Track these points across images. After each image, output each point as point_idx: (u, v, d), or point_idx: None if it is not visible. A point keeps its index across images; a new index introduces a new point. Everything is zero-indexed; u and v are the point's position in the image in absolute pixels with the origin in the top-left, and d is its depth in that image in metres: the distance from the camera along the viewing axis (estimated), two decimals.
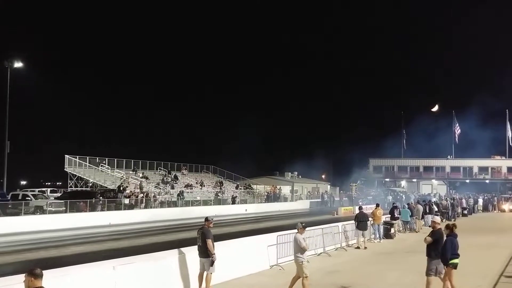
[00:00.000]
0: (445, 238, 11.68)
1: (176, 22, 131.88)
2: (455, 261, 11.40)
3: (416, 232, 28.30)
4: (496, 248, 21.55)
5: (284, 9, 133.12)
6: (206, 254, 11.87)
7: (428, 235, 12.16)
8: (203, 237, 11.91)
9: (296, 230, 12.83)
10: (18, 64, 41.90)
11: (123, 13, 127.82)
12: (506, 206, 49.63)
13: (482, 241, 24.36)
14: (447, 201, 41.51)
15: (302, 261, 12.00)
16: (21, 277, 7.11)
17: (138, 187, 45.16)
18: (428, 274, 11.86)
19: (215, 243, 12.33)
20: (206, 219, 12.41)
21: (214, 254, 11.79)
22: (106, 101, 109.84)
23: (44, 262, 16.28)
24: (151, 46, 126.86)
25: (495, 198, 55.18)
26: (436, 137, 77.20)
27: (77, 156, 48.34)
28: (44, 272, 6.66)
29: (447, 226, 12.05)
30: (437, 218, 12.76)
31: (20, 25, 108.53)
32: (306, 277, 11.86)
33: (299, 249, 12.10)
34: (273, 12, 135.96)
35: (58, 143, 78.36)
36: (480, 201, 52.24)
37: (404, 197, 57.35)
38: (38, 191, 42.65)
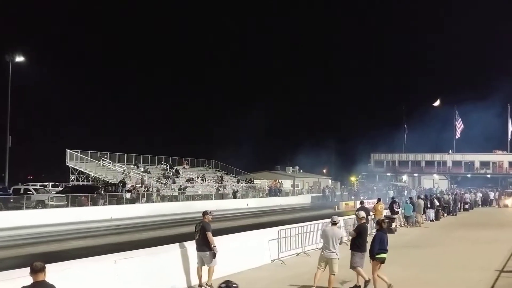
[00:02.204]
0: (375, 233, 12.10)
1: (174, 15, 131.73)
2: (382, 256, 11.70)
3: (418, 226, 28.35)
4: (497, 243, 21.54)
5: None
6: (204, 248, 11.83)
7: (353, 230, 12.41)
8: (203, 231, 11.86)
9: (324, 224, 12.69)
10: (19, 59, 41.93)
11: (125, 9, 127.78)
12: (509, 201, 49.38)
13: (484, 235, 24.37)
14: (449, 195, 41.50)
15: (339, 258, 11.79)
16: (23, 271, 7.14)
17: (140, 181, 45.22)
18: (352, 267, 12.10)
19: (216, 237, 12.34)
20: (205, 212, 12.29)
21: (215, 246, 11.75)
22: (108, 96, 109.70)
23: (46, 256, 16.30)
24: (151, 39, 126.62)
25: (497, 193, 54.98)
26: (438, 132, 77.18)
27: (79, 151, 48.39)
28: (46, 266, 6.68)
29: (377, 222, 12.39)
30: (362, 213, 12.94)
31: (22, 18, 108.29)
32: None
33: (337, 244, 11.80)
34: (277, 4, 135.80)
35: (59, 137, 78.37)
36: (479, 195, 52.11)
37: (406, 192, 57.36)
38: (40, 185, 42.72)
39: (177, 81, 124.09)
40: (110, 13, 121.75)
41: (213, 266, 11.87)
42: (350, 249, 12.29)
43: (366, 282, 11.94)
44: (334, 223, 12.15)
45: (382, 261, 11.72)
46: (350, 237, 12.51)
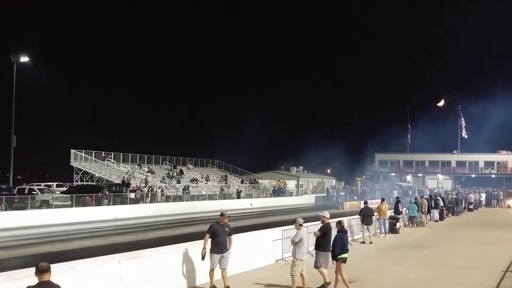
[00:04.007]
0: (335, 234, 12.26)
1: (175, 14, 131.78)
2: (344, 255, 11.91)
3: (423, 226, 28.28)
4: (502, 243, 21.50)
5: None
6: None
7: (318, 230, 12.56)
8: None
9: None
10: (24, 59, 42.04)
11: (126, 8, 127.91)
12: (510, 201, 49.15)
13: (488, 235, 24.30)
14: (453, 195, 41.37)
15: None
16: (29, 270, 7.16)
17: (144, 181, 45.28)
18: (316, 266, 12.18)
19: None
20: (221, 214, 12.35)
21: (203, 248, 11.73)
22: (111, 95, 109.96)
23: (50, 256, 16.36)
24: (153, 39, 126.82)
25: (501, 193, 54.66)
26: (442, 132, 76.97)
27: (83, 151, 48.53)
28: (51, 266, 6.69)
29: (339, 223, 12.47)
30: (326, 213, 12.94)
31: (26, 20, 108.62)
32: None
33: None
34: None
35: (63, 137, 78.53)
36: (483, 195, 51.92)
37: (410, 192, 57.22)
38: (44, 186, 42.81)
39: (180, 80, 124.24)
40: (111, 12, 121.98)
41: (210, 268, 11.85)
42: (315, 248, 12.44)
43: (326, 284, 12.03)
44: (302, 225, 12.10)
45: (344, 260, 11.92)
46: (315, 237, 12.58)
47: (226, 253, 11.87)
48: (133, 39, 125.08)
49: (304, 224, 17.81)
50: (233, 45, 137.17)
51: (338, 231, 12.26)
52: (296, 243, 11.66)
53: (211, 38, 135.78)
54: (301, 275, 11.51)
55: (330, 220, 12.83)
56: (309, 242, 15.18)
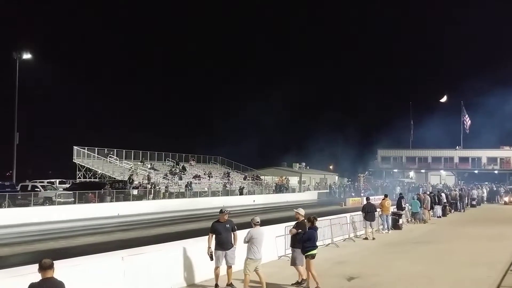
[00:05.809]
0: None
1: (176, 11, 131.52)
2: (312, 252, 11.91)
3: (425, 222, 28.25)
4: (505, 239, 21.44)
5: None
6: None
7: (293, 227, 12.60)
8: None
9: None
10: (26, 56, 42.09)
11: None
12: (507, 198, 48.99)
13: (491, 232, 24.24)
14: (456, 191, 41.28)
15: None
16: (33, 267, 7.18)
17: (146, 178, 45.35)
18: (294, 263, 12.30)
19: None
20: (220, 211, 12.28)
21: (208, 248, 11.70)
22: (112, 95, 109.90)
23: (54, 253, 16.39)
24: (155, 33, 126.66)
25: (501, 189, 54.46)
26: (445, 128, 76.90)
27: (86, 147, 48.61)
28: (54, 262, 6.71)
29: (309, 219, 12.46)
30: (301, 210, 12.90)
31: (28, 15, 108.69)
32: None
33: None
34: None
35: (66, 134, 78.62)
36: (485, 191, 51.75)
37: (409, 187, 57.17)
38: (47, 182, 42.89)
39: (181, 80, 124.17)
40: (111, 12, 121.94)
41: (214, 267, 11.80)
42: (291, 246, 12.53)
43: (303, 281, 12.15)
44: (258, 223, 11.98)
45: (313, 256, 11.93)
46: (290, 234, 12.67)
47: (230, 250, 11.79)
48: (134, 39, 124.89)
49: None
50: (233, 45, 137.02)
51: (308, 228, 12.23)
52: (247, 242, 11.54)
53: (211, 38, 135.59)
54: (257, 273, 11.37)
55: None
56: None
